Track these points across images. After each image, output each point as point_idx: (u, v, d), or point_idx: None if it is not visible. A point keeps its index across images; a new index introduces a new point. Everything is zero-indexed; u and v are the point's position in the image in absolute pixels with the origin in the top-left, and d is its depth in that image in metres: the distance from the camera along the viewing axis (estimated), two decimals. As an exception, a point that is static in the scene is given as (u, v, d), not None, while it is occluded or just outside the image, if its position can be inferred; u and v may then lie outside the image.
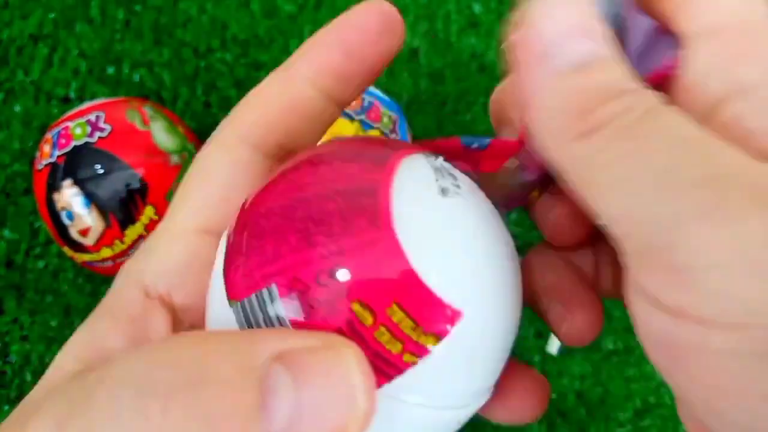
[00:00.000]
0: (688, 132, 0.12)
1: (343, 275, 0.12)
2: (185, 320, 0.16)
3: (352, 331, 0.12)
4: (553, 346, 0.32)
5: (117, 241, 0.27)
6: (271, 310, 0.12)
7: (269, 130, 0.16)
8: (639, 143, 0.12)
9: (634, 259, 0.12)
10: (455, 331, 0.12)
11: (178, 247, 0.16)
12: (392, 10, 0.16)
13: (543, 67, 0.13)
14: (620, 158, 0.12)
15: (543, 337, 0.32)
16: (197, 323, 0.16)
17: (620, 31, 0.14)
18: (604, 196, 0.12)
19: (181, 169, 0.29)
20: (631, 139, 0.12)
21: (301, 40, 0.37)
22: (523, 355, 0.32)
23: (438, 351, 0.12)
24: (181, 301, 0.16)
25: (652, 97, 0.13)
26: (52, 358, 0.33)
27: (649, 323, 0.13)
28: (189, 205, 0.16)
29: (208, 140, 0.16)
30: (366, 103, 0.30)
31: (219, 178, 0.16)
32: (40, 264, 0.33)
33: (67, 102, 0.36)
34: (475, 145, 0.16)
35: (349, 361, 0.11)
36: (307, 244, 0.12)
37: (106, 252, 0.28)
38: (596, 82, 0.13)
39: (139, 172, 0.27)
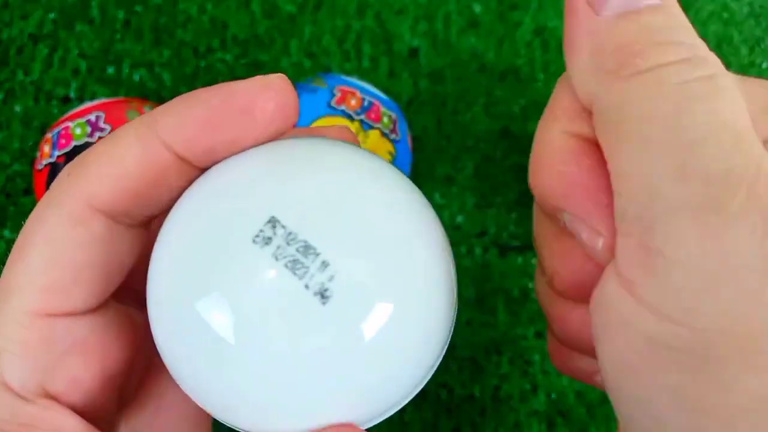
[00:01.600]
0: (733, 120, 0.11)
1: None
2: (73, 404, 0.14)
3: None
4: None
5: (117, 241, 0.27)
6: None
7: (122, 199, 0.14)
8: (679, 108, 0.11)
9: (619, 224, 0.12)
10: None
11: (13, 335, 0.14)
12: (291, 90, 0.14)
13: (596, 6, 0.12)
14: (652, 117, 0.11)
15: (543, 337, 0.32)
16: (86, 404, 0.15)
17: None
18: (623, 148, 0.12)
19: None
20: (673, 99, 0.11)
21: (301, 40, 0.37)
22: (523, 354, 0.32)
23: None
24: (60, 387, 0.14)
25: (711, 60, 0.12)
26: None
27: (603, 285, 0.13)
28: (31, 283, 0.14)
29: (47, 197, 0.14)
30: (366, 103, 0.30)
31: (71, 257, 0.14)
32: (40, 264, 0.33)
33: (67, 102, 0.36)
34: None
35: None
36: None
37: (106, 252, 0.28)
38: (653, 24, 0.12)
39: (140, 171, 0.27)
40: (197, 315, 0.12)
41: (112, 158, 0.14)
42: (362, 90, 0.30)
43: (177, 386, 0.14)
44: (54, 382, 0.14)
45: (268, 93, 0.13)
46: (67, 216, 0.14)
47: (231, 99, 0.13)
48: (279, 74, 0.14)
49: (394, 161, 0.30)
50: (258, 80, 0.13)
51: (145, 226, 0.15)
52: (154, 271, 0.13)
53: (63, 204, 0.14)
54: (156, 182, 0.14)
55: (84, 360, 0.14)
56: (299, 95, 0.30)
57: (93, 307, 0.14)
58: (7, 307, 0.14)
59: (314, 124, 0.28)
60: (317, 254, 0.12)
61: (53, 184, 0.14)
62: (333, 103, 0.29)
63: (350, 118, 0.29)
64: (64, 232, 0.14)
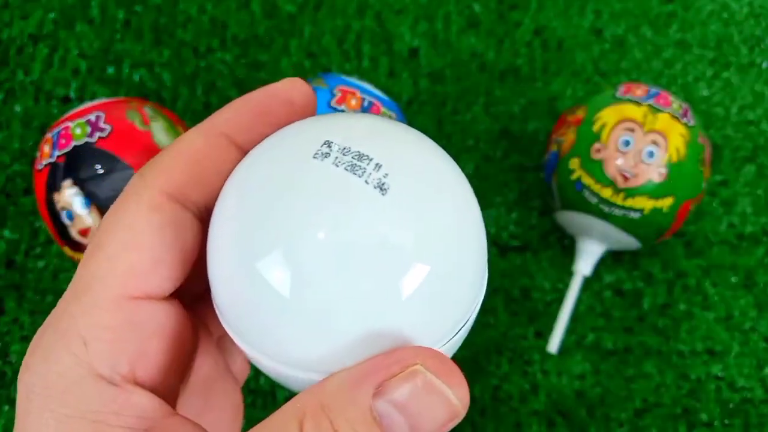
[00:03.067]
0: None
1: None
2: (152, 387, 0.15)
3: None
4: (553, 345, 0.32)
5: (117, 241, 0.28)
6: None
7: (192, 187, 0.15)
8: None
9: None
10: None
11: (104, 318, 0.14)
12: (311, 91, 0.17)
13: None
14: None
15: (543, 337, 0.32)
16: (161, 388, 0.15)
17: None
18: None
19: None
20: None
21: (301, 40, 0.37)
22: (523, 354, 0.32)
23: None
24: (144, 372, 0.15)
25: None
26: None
27: None
28: (118, 270, 0.14)
29: (121, 195, 0.15)
30: (366, 104, 0.30)
31: (151, 242, 0.15)
32: (41, 264, 0.33)
33: (67, 102, 0.36)
34: None
35: (426, 375, 0.13)
36: None
37: (106, 252, 0.28)
38: None
39: (140, 172, 0.27)
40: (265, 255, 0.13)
41: (179, 150, 0.15)
42: (362, 90, 0.30)
43: (223, 375, 0.16)
44: (140, 366, 0.15)
45: (300, 87, 0.16)
46: (145, 204, 0.15)
47: (275, 94, 0.16)
48: (297, 78, 0.17)
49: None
50: (288, 80, 0.17)
51: (203, 219, 0.16)
52: (219, 230, 0.14)
53: (139, 194, 0.15)
54: (216, 166, 0.15)
55: (165, 344, 0.15)
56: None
57: (169, 293, 0.15)
58: (90, 295, 0.15)
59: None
60: (370, 159, 0.14)
61: (126, 185, 0.15)
62: (333, 103, 0.29)
63: (350, 118, 0.29)
64: (141, 218, 0.15)
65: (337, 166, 0.14)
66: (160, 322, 0.15)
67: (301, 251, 0.13)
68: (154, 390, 0.15)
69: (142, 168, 0.15)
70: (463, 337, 0.16)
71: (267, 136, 0.16)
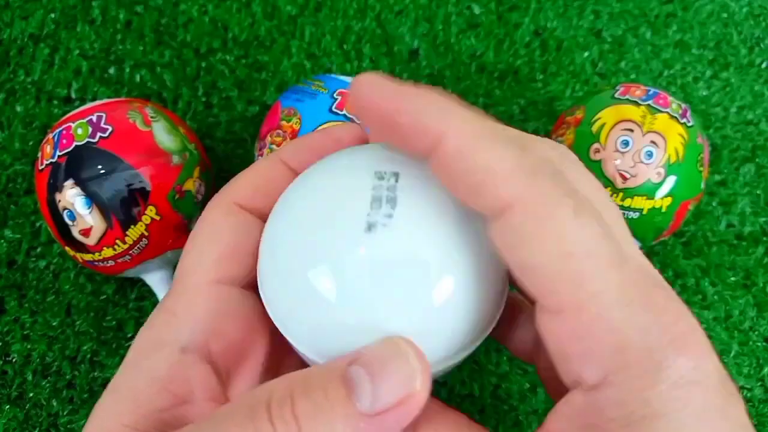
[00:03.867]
0: None
1: None
2: (222, 366, 0.19)
3: None
4: None
5: (118, 241, 0.28)
6: None
7: (257, 199, 0.19)
8: None
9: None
10: None
11: (202, 299, 0.18)
12: (365, 135, 0.20)
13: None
14: None
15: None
16: (234, 367, 0.19)
17: None
18: None
19: (182, 169, 0.29)
20: None
21: (301, 41, 0.38)
22: (523, 354, 0.32)
23: None
24: (218, 348, 0.18)
25: None
26: (53, 358, 0.33)
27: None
28: (202, 261, 0.19)
29: (206, 207, 0.20)
30: (366, 104, 0.30)
31: (225, 237, 0.19)
32: (42, 264, 0.33)
33: (68, 102, 0.36)
34: None
35: (407, 351, 0.15)
36: None
37: (107, 252, 0.28)
38: None
39: (141, 172, 0.28)
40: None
41: (248, 172, 0.20)
42: (362, 91, 0.30)
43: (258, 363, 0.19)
44: (213, 342, 0.18)
45: (351, 129, 0.20)
46: (221, 210, 0.19)
47: (329, 134, 0.20)
48: (355, 125, 0.21)
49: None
50: (343, 125, 0.21)
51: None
52: (270, 244, 0.18)
53: (218, 204, 0.19)
54: (275, 184, 0.20)
55: (237, 325, 0.19)
56: (301, 100, 0.30)
57: (243, 281, 0.19)
58: (187, 281, 0.19)
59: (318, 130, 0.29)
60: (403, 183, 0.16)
61: (212, 199, 0.20)
62: (335, 108, 0.29)
63: (352, 123, 0.29)
64: (221, 221, 0.19)
65: (377, 189, 0.16)
66: (237, 304, 0.18)
67: (345, 265, 0.15)
68: (218, 366, 0.18)
69: (223, 186, 0.20)
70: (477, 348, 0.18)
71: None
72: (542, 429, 0.16)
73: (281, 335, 0.19)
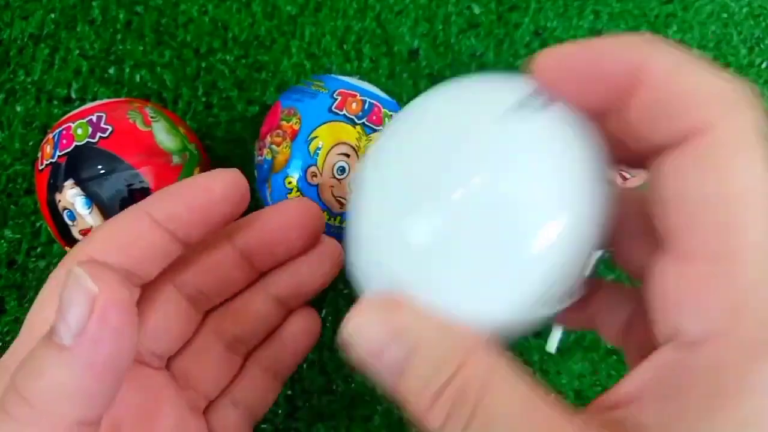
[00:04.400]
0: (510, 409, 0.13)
1: None
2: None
3: None
4: (552, 344, 0.32)
5: (119, 241, 0.28)
6: None
7: (118, 256, 0.18)
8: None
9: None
10: None
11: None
12: (241, 181, 0.20)
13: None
14: None
15: (542, 337, 0.33)
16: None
17: None
18: None
19: (183, 169, 0.29)
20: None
21: (302, 41, 0.38)
22: (522, 354, 0.32)
23: None
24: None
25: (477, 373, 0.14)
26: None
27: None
28: (46, 314, 0.17)
29: (63, 259, 0.19)
30: (366, 106, 0.30)
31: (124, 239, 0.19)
32: (42, 264, 0.33)
33: (68, 102, 0.36)
34: None
35: (76, 270, 0.15)
36: None
37: (107, 252, 0.28)
38: (417, 378, 0.14)
39: (141, 172, 0.28)
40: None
41: (109, 225, 0.19)
42: (362, 92, 0.30)
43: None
44: None
45: (221, 178, 0.20)
46: (73, 264, 0.18)
47: (198, 184, 0.20)
48: (230, 171, 0.20)
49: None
50: (212, 173, 0.20)
51: (138, 285, 0.19)
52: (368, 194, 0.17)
53: (70, 261, 0.18)
54: (141, 244, 0.19)
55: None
56: (300, 100, 0.30)
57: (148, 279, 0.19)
58: (29, 333, 0.18)
59: (317, 131, 0.28)
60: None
61: (68, 253, 0.19)
62: (334, 108, 0.29)
63: (352, 122, 0.29)
64: (124, 225, 0.19)
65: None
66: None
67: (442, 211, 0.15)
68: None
69: (83, 239, 0.20)
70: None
71: (188, 218, 0.19)
72: (614, 390, 0.14)
73: (144, 382, 0.19)
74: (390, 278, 0.16)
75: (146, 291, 0.20)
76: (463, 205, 0.15)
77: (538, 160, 0.15)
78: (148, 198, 0.19)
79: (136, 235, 0.18)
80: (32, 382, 0.14)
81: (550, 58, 0.15)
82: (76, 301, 0.14)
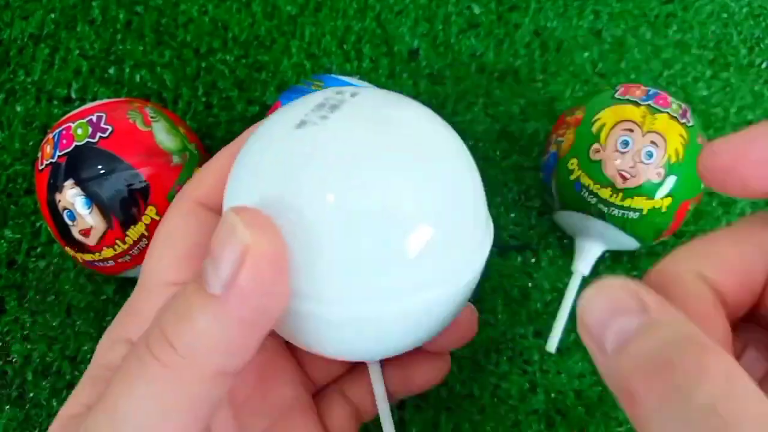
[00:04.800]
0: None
1: None
2: None
3: None
4: (552, 344, 0.32)
5: (119, 241, 0.28)
6: None
7: (219, 196, 0.18)
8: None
9: None
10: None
11: (158, 300, 0.17)
12: None
13: (602, 356, 0.13)
14: None
15: (542, 336, 0.33)
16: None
17: None
18: None
19: (183, 169, 0.29)
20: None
21: (302, 41, 0.38)
22: (523, 354, 0.33)
23: None
24: None
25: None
26: (53, 358, 0.33)
27: None
28: (162, 263, 0.18)
29: (172, 204, 0.20)
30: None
31: (185, 238, 0.19)
32: (42, 264, 0.33)
33: (68, 102, 0.36)
34: None
35: (231, 218, 0.14)
36: None
37: (107, 252, 0.28)
38: (642, 350, 0.13)
39: (141, 172, 0.28)
40: None
41: (209, 168, 0.20)
42: (362, 91, 0.30)
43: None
44: None
45: None
46: (181, 210, 0.19)
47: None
48: None
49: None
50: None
51: None
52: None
53: (178, 204, 0.19)
54: None
55: None
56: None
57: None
58: (148, 283, 0.19)
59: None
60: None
61: (174, 198, 0.20)
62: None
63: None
64: (180, 221, 0.19)
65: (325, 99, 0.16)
66: None
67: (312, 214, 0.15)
68: None
69: (185, 184, 0.20)
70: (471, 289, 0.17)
71: None
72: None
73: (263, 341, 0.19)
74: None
75: None
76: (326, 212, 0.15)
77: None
78: (238, 137, 0.20)
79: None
80: (180, 328, 0.14)
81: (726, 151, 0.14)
82: (228, 249, 0.14)
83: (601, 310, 0.13)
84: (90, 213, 0.27)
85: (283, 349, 0.21)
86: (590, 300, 0.13)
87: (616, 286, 0.13)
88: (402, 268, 0.15)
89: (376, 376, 0.19)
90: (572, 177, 0.30)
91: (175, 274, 0.18)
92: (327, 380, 0.23)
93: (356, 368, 0.23)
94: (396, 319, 0.16)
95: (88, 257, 0.28)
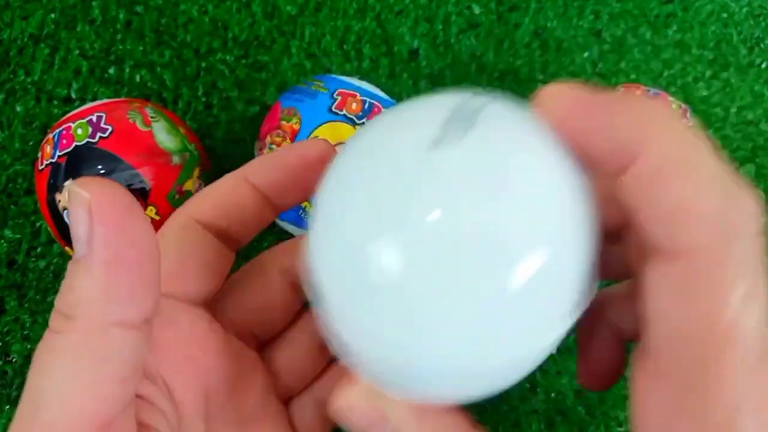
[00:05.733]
0: None
1: None
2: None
3: None
4: None
5: (119, 241, 0.28)
6: None
7: (217, 217, 0.19)
8: None
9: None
10: None
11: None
12: (331, 148, 0.20)
13: None
14: None
15: (542, 337, 0.33)
16: (174, 382, 0.18)
17: None
18: None
19: (182, 169, 0.29)
20: None
21: (302, 41, 0.38)
22: (523, 354, 0.32)
23: None
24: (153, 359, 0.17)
25: None
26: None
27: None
28: None
29: (169, 219, 0.19)
30: (366, 106, 0.30)
31: (176, 252, 0.18)
32: (42, 264, 0.33)
33: (68, 102, 0.36)
34: None
35: (72, 188, 0.15)
36: None
37: (107, 252, 0.28)
38: None
39: (141, 172, 0.28)
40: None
41: (211, 189, 0.20)
42: (362, 92, 0.30)
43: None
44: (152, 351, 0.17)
45: (315, 144, 0.20)
46: (177, 226, 0.19)
47: (295, 150, 0.20)
48: (321, 139, 0.20)
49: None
50: (309, 141, 0.20)
51: (234, 249, 0.20)
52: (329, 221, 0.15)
53: (176, 220, 0.19)
54: (239, 206, 0.19)
55: (175, 341, 0.18)
56: (300, 100, 0.30)
57: (187, 297, 0.19)
58: None
59: (317, 131, 0.29)
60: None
61: (173, 213, 0.20)
62: (334, 108, 0.29)
63: (352, 122, 0.29)
64: (173, 236, 0.19)
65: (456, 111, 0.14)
66: (176, 320, 0.18)
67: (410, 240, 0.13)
68: (152, 380, 0.17)
69: (186, 201, 0.20)
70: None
71: (284, 183, 0.20)
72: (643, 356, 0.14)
73: (235, 354, 0.19)
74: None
75: (255, 271, 0.21)
76: (433, 241, 0.12)
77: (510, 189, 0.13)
78: (247, 164, 0.20)
79: (235, 199, 0.19)
80: (65, 297, 0.15)
81: (561, 95, 0.14)
82: (77, 214, 0.14)
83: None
84: (90, 213, 0.27)
85: (255, 359, 0.21)
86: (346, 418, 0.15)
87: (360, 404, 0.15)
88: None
89: None
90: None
91: (163, 287, 0.18)
92: (300, 387, 0.23)
93: (328, 374, 0.24)
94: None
95: (88, 257, 0.28)
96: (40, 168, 0.28)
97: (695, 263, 0.12)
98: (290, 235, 0.31)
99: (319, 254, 0.14)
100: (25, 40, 0.37)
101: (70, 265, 0.15)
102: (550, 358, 0.32)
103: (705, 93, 0.38)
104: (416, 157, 0.13)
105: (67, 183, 0.15)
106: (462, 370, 0.13)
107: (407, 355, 0.13)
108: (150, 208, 0.28)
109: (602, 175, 0.14)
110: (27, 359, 0.31)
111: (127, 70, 0.36)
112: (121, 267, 0.15)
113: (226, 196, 0.19)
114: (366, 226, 0.13)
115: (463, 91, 0.15)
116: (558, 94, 0.14)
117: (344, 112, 0.29)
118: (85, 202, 0.14)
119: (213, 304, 0.20)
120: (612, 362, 0.21)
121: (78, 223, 0.14)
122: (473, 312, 0.13)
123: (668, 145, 0.13)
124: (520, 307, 0.13)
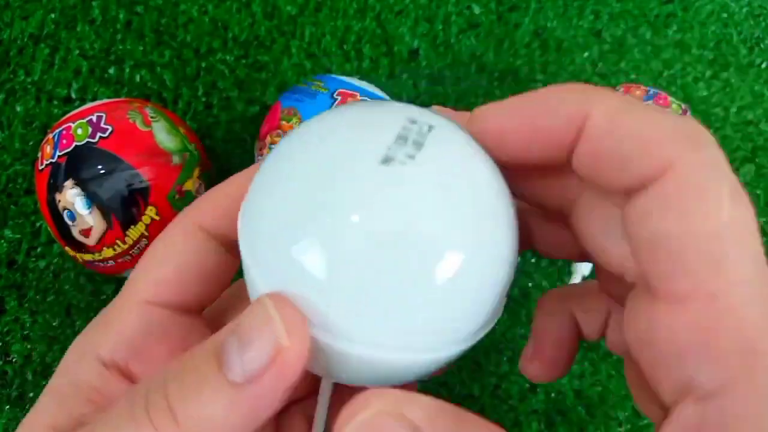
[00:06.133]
0: None
1: None
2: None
3: None
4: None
5: (118, 241, 0.28)
6: None
7: (224, 223, 0.18)
8: None
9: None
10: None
11: (133, 318, 0.17)
12: None
13: None
14: None
15: (542, 337, 0.33)
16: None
17: None
18: None
19: (182, 169, 0.29)
20: None
21: (302, 41, 0.38)
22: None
23: None
24: (139, 369, 0.17)
25: None
26: (53, 358, 0.33)
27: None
28: (145, 279, 0.18)
29: (171, 223, 0.19)
30: (366, 104, 0.30)
31: (175, 258, 0.18)
32: (42, 264, 0.33)
33: (68, 102, 0.36)
34: None
35: (270, 310, 0.13)
36: None
37: (107, 252, 0.28)
38: None
39: (141, 172, 0.28)
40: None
41: (216, 192, 0.19)
42: (362, 92, 0.30)
43: None
44: (134, 362, 0.17)
45: None
46: (179, 231, 0.18)
47: None
48: None
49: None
50: None
51: (228, 249, 0.19)
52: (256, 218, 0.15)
53: (178, 224, 0.18)
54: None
55: (164, 349, 0.17)
56: (300, 100, 0.30)
57: (183, 305, 0.18)
58: (126, 296, 0.18)
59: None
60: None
61: (176, 216, 0.19)
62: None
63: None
64: (174, 242, 0.18)
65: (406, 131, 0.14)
66: (167, 328, 0.17)
67: (337, 238, 0.13)
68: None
69: (190, 205, 0.19)
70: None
71: None
72: None
73: None
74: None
75: None
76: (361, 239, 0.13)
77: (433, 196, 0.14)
78: (253, 166, 0.19)
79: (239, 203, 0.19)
80: (187, 405, 0.14)
81: (487, 119, 0.15)
82: (261, 341, 0.13)
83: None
84: (90, 213, 0.27)
85: None
86: None
87: (378, 416, 0.13)
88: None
89: (323, 397, 0.18)
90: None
91: (154, 293, 0.17)
92: (290, 402, 0.23)
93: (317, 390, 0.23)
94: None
95: (88, 257, 0.28)
96: (40, 168, 0.28)
97: (670, 180, 0.13)
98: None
99: (251, 248, 0.15)
100: (25, 40, 0.37)
101: (212, 372, 0.13)
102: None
103: (705, 93, 0.38)
104: (364, 168, 0.14)
105: (265, 299, 0.14)
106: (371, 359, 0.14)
107: (329, 341, 0.14)
108: (150, 208, 0.28)
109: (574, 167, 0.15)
110: (27, 359, 0.31)
111: (127, 70, 0.36)
112: (261, 414, 0.14)
113: (232, 199, 0.18)
114: (296, 225, 0.14)
115: (399, 106, 0.16)
116: (489, 108, 0.15)
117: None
118: (278, 344, 0.13)
119: (211, 312, 0.19)
120: (567, 355, 0.21)
121: (253, 349, 0.13)
122: (389, 304, 0.14)
123: (608, 105, 0.14)
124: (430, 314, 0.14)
